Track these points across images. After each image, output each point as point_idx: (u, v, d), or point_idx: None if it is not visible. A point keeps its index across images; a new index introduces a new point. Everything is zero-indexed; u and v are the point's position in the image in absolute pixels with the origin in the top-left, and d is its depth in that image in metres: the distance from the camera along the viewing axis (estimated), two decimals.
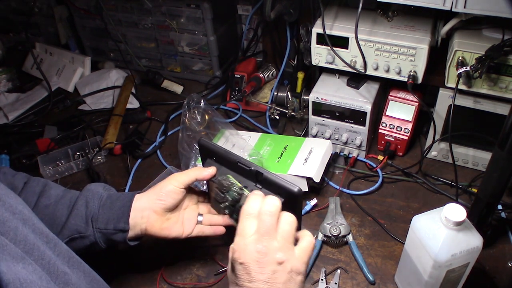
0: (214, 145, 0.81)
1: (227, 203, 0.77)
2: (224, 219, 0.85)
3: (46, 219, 0.76)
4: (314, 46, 1.03)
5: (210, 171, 0.79)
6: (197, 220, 0.84)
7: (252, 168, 0.74)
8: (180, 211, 0.83)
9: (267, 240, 0.58)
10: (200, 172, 0.79)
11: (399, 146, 1.08)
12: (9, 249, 0.48)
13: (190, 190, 0.85)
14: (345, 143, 1.09)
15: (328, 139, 1.08)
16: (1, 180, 0.74)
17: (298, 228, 0.72)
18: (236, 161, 0.76)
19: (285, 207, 0.71)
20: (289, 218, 0.62)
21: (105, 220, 0.77)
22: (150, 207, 0.78)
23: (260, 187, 0.74)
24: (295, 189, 0.68)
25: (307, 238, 0.63)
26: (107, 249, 0.79)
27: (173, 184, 0.79)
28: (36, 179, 0.81)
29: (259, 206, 0.62)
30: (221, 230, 0.85)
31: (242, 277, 0.57)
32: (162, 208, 0.79)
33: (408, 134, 1.06)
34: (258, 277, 0.56)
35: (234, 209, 0.77)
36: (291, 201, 0.71)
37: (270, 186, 0.73)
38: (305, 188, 0.98)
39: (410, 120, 1.05)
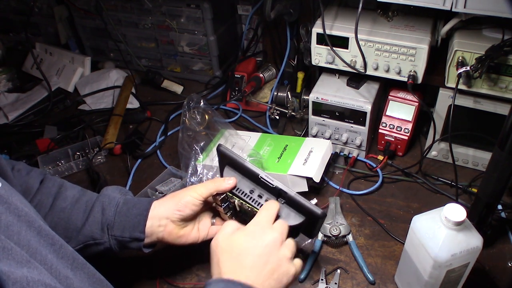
0: (235, 154, 0.80)
1: (231, 211, 0.79)
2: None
3: (61, 223, 0.76)
4: (314, 46, 1.03)
5: (231, 182, 0.78)
6: (211, 222, 0.84)
7: (275, 186, 0.75)
8: (197, 217, 0.83)
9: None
10: (220, 184, 0.78)
11: (399, 146, 1.08)
12: (15, 253, 0.49)
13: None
14: (345, 143, 1.09)
15: (328, 139, 1.08)
16: (15, 179, 0.73)
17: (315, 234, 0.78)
18: (258, 175, 0.76)
19: (305, 225, 0.74)
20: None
21: (121, 228, 0.76)
22: (167, 217, 0.78)
23: (283, 201, 0.75)
24: (319, 212, 0.71)
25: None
26: (120, 254, 0.79)
27: (191, 195, 0.78)
28: (52, 179, 0.81)
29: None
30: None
31: None
32: (180, 218, 0.78)
33: (408, 134, 1.06)
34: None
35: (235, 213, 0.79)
36: (312, 222, 0.74)
37: (293, 204, 0.74)
38: (305, 188, 0.98)
39: (410, 120, 1.05)
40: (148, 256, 0.91)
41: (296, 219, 0.74)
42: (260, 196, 0.77)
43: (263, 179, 0.76)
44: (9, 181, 0.67)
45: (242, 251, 0.63)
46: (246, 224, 0.73)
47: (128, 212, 0.77)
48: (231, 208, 0.80)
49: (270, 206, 0.71)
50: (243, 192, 0.78)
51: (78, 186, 0.82)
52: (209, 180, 0.83)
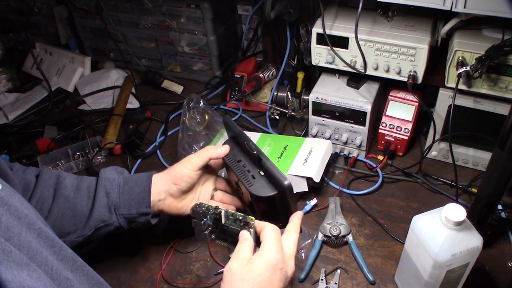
0: (233, 124, 0.83)
1: (210, 228, 0.72)
2: (234, 201, 0.88)
3: (68, 211, 0.78)
4: (314, 46, 1.03)
5: (224, 149, 0.81)
6: (211, 195, 0.87)
7: (255, 152, 0.76)
8: (198, 187, 0.85)
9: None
10: (213, 151, 0.82)
11: (399, 146, 1.08)
12: (14, 255, 0.49)
13: (209, 164, 0.87)
14: (345, 143, 1.09)
15: (328, 139, 1.08)
16: (14, 178, 0.74)
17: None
18: (244, 142, 0.78)
19: (278, 197, 0.74)
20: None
21: (127, 206, 0.79)
22: (166, 190, 0.81)
23: (262, 174, 0.76)
24: (285, 182, 0.71)
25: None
26: (129, 230, 0.82)
27: (187, 168, 0.81)
28: (48, 172, 0.82)
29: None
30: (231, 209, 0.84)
31: None
32: (178, 192, 0.81)
33: (408, 134, 1.06)
34: None
35: (218, 231, 0.72)
36: (284, 196, 0.73)
37: (269, 175, 0.75)
38: (305, 188, 0.98)
39: (410, 120, 1.05)
40: (147, 256, 0.91)
41: (268, 191, 0.74)
42: (244, 166, 0.79)
43: (247, 145, 0.77)
44: (9, 182, 0.68)
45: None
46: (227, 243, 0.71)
47: (131, 191, 0.80)
48: (210, 225, 0.72)
49: (271, 233, 0.63)
50: (233, 161, 0.81)
51: (73, 174, 0.84)
52: (202, 149, 0.85)
